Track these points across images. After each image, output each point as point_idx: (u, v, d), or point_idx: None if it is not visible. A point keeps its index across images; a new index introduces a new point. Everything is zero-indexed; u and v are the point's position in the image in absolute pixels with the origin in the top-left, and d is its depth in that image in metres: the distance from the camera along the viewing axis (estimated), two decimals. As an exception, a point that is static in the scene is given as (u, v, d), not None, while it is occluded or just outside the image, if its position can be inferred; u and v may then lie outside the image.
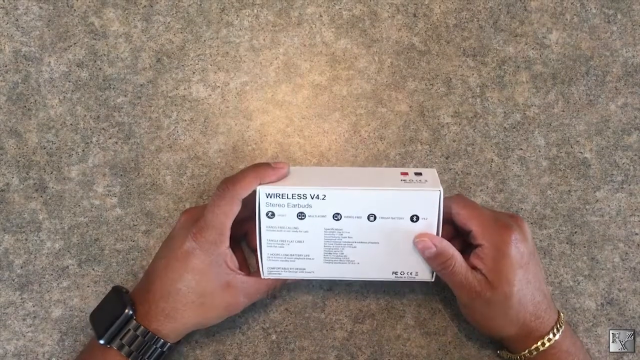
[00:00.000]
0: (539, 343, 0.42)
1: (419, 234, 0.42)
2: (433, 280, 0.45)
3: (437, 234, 0.42)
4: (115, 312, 0.42)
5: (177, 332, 0.43)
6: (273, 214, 0.43)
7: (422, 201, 0.42)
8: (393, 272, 0.44)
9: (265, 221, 0.43)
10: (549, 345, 0.42)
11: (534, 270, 0.43)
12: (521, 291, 0.42)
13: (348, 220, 0.42)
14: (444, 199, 0.43)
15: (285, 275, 0.45)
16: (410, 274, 0.44)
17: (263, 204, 0.42)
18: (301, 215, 0.43)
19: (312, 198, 0.42)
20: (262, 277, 0.45)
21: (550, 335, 0.42)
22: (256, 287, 0.45)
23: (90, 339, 0.45)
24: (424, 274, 0.44)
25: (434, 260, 0.42)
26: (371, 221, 0.42)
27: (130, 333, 0.41)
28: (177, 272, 0.42)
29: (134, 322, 0.42)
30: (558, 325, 0.42)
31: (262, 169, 0.42)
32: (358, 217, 0.42)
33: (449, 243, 0.42)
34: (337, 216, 0.42)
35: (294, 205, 0.42)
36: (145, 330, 0.41)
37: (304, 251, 0.44)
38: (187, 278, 0.42)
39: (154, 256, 0.45)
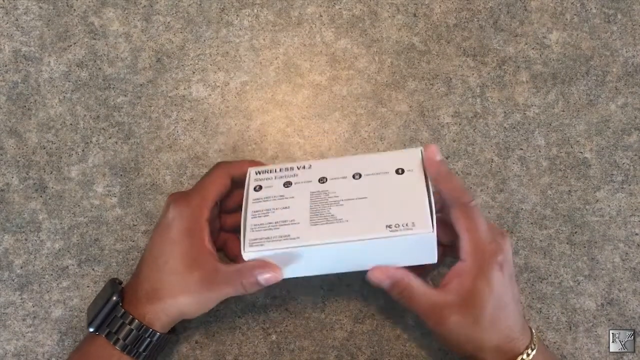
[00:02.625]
0: None
1: (372, 268, 0.42)
2: (434, 232, 0.39)
3: (427, 186, 0.41)
4: (103, 301, 0.42)
5: (162, 318, 0.42)
6: (260, 187, 0.43)
7: (405, 157, 0.42)
8: (387, 226, 0.40)
9: (252, 194, 0.43)
10: None
11: (512, 292, 0.42)
12: (495, 315, 0.41)
13: (333, 182, 0.42)
14: (456, 182, 0.42)
15: (268, 246, 0.40)
16: (406, 225, 0.40)
17: (252, 180, 0.43)
18: (287, 184, 0.43)
19: (299, 169, 0.43)
20: (243, 253, 0.41)
21: (524, 356, 0.41)
22: (227, 277, 0.41)
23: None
24: (422, 226, 0.39)
25: (392, 291, 0.42)
26: (356, 179, 0.42)
27: (118, 321, 0.42)
28: (158, 247, 0.42)
29: (121, 309, 0.42)
30: (532, 345, 0.42)
31: (254, 160, 0.46)
32: (343, 178, 0.42)
33: (404, 271, 0.41)
34: (322, 180, 0.42)
35: (281, 177, 0.43)
36: (132, 317, 0.41)
37: (289, 217, 0.41)
38: (165, 250, 0.42)
39: None
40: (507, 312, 0.42)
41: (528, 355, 0.41)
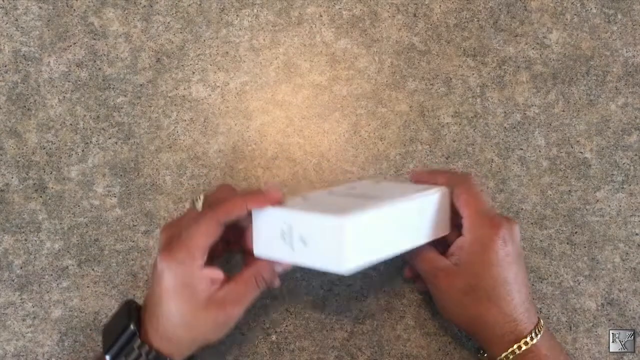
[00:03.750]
0: (515, 346, 0.41)
1: None
2: (448, 190, 0.43)
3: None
4: (121, 328, 0.41)
5: (180, 352, 0.41)
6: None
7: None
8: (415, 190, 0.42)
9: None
10: (526, 349, 0.41)
11: (516, 272, 0.42)
12: (494, 289, 0.41)
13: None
14: (453, 170, 0.45)
15: (282, 210, 0.38)
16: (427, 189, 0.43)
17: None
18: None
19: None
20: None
21: (528, 339, 0.41)
22: (243, 288, 0.41)
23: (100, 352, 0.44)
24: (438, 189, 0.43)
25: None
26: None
27: (135, 351, 0.40)
28: (157, 295, 0.40)
29: (138, 339, 0.40)
30: (537, 330, 0.42)
31: (250, 194, 0.40)
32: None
33: None
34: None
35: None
36: (148, 349, 0.40)
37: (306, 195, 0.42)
38: (164, 301, 0.40)
39: None
40: (509, 289, 0.42)
41: (532, 339, 0.41)
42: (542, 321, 0.43)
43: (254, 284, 0.41)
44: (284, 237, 0.38)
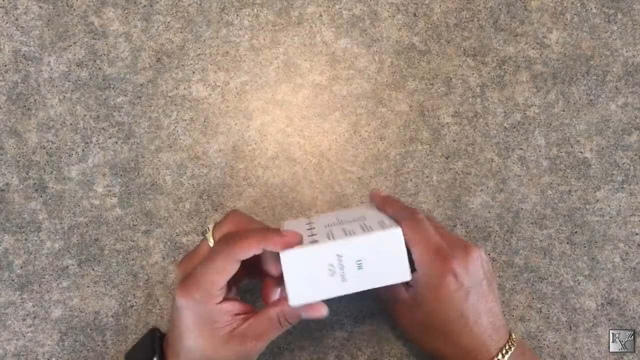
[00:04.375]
0: None
1: None
2: (399, 229, 0.39)
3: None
4: (144, 359, 0.41)
5: None
6: None
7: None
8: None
9: None
10: None
11: (475, 302, 0.41)
12: (446, 325, 0.41)
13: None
14: (400, 203, 0.44)
15: (327, 244, 0.38)
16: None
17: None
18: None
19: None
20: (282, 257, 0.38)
21: None
22: (266, 326, 0.41)
23: None
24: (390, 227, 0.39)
25: None
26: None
27: None
28: (177, 331, 0.40)
29: None
30: (503, 351, 0.41)
31: (269, 233, 0.39)
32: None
33: None
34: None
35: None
36: None
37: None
38: (185, 337, 0.40)
39: None
40: (465, 322, 0.41)
41: None
42: (512, 338, 0.42)
43: (278, 324, 0.41)
44: (332, 271, 0.38)
